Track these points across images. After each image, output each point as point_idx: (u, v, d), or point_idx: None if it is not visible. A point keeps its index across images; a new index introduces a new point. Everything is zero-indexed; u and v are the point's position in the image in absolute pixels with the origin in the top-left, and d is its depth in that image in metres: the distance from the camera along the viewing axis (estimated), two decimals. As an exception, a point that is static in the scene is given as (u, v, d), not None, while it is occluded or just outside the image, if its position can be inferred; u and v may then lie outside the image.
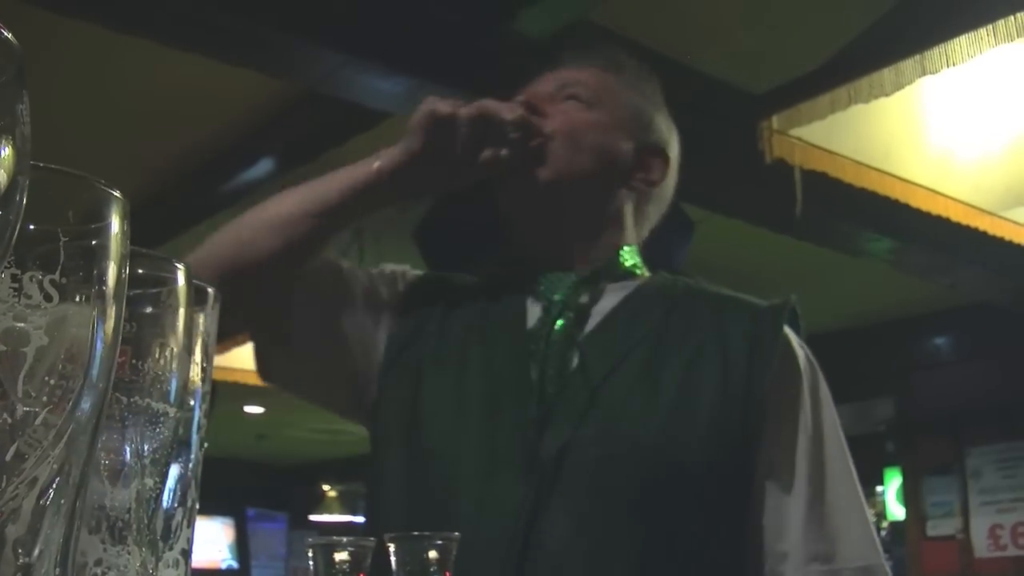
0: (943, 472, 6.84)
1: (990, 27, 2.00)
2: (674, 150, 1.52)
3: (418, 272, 1.54)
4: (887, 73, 2.07)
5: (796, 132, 2.25)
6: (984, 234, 2.66)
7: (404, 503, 1.35)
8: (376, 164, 1.35)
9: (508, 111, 1.36)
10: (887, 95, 2.09)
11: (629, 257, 1.46)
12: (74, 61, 3.56)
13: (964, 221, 2.55)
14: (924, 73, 2.05)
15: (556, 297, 1.39)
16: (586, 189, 1.44)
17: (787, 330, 1.33)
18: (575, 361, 1.34)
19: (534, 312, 1.40)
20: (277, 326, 1.41)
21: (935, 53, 2.03)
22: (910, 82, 2.08)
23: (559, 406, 1.30)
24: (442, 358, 1.41)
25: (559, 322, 1.37)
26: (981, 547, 6.62)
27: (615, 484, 1.27)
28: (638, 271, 1.46)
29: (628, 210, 1.47)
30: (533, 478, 1.26)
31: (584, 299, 1.39)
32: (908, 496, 6.97)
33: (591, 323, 1.38)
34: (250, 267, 1.35)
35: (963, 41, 2.01)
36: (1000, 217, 2.61)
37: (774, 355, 1.29)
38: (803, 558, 1.26)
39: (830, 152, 2.31)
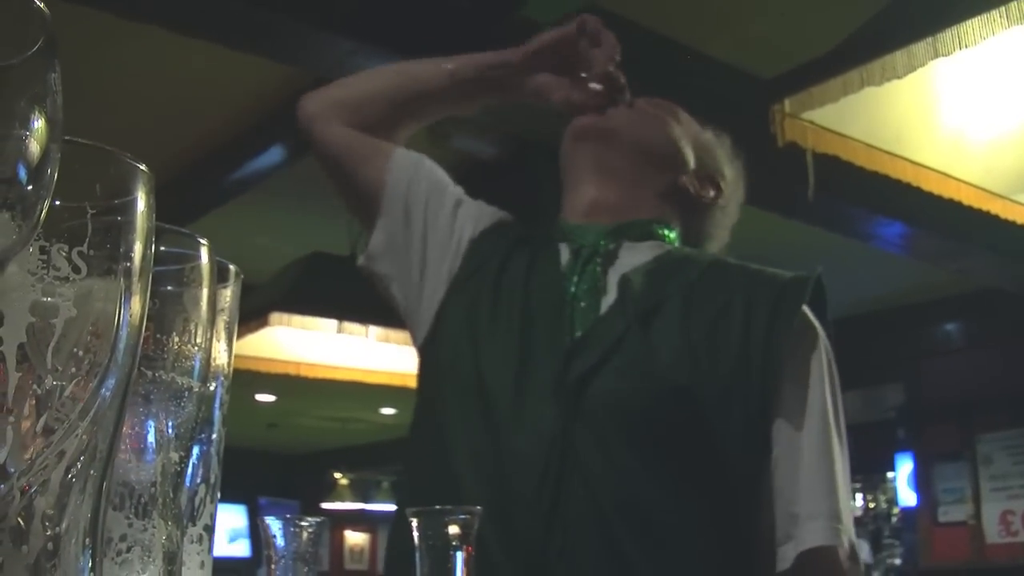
0: (954, 458, 6.84)
1: (1002, 9, 1.99)
2: (732, 190, 1.66)
3: (494, 216, 1.63)
4: (899, 56, 2.07)
5: (808, 116, 2.24)
6: (996, 218, 2.65)
7: (458, 425, 1.43)
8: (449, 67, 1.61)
9: (602, 61, 1.54)
10: (899, 78, 2.08)
11: (665, 231, 1.54)
12: (84, 49, 3.56)
13: (975, 204, 2.54)
14: (936, 55, 2.05)
15: (585, 243, 1.48)
16: (639, 155, 1.54)
17: (805, 309, 1.38)
18: (605, 300, 1.42)
19: (565, 256, 1.50)
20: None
21: (947, 35, 2.03)
22: (922, 64, 2.07)
23: (589, 339, 1.39)
24: (491, 297, 1.50)
25: (590, 266, 1.46)
26: (992, 533, 6.62)
27: (635, 416, 1.35)
28: (668, 240, 1.53)
29: (672, 205, 1.56)
30: (561, 402, 1.35)
31: (611, 246, 1.48)
32: (919, 482, 6.96)
33: (623, 270, 1.45)
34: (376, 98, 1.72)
35: (975, 23, 2.01)
36: (1012, 201, 2.60)
37: (791, 325, 1.35)
38: (811, 515, 1.32)
39: (842, 135, 2.31)
